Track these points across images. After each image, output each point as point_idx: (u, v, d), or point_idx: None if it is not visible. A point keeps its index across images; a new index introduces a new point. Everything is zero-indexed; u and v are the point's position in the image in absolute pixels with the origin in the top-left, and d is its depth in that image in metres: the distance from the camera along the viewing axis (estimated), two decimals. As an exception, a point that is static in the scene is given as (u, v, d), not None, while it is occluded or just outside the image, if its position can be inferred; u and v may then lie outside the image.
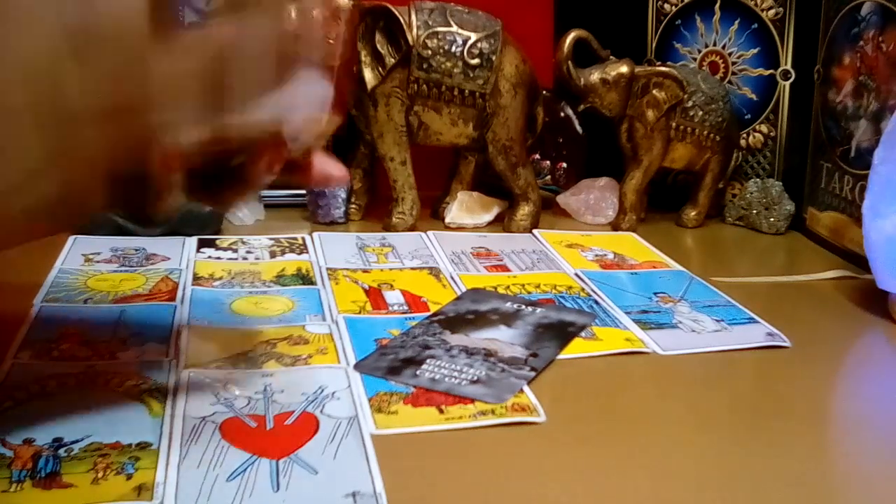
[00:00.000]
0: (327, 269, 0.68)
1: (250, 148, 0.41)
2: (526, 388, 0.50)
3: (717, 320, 0.62)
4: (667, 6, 0.91)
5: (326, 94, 0.42)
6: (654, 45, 0.92)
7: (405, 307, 0.61)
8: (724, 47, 0.90)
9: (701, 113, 0.85)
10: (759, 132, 0.90)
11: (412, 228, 0.81)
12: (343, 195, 0.84)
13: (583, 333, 0.58)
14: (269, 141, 0.41)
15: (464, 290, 0.65)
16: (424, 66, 0.78)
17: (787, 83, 0.88)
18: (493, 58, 0.79)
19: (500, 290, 0.65)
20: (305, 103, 0.40)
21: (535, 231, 0.83)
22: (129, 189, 0.37)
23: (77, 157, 0.33)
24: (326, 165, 0.46)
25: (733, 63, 0.90)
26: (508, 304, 0.62)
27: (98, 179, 0.35)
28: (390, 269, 0.69)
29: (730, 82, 0.90)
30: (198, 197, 0.43)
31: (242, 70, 0.36)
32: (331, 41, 0.75)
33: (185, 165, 0.38)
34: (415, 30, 0.77)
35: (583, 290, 0.67)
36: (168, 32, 0.34)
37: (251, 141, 0.39)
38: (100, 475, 0.38)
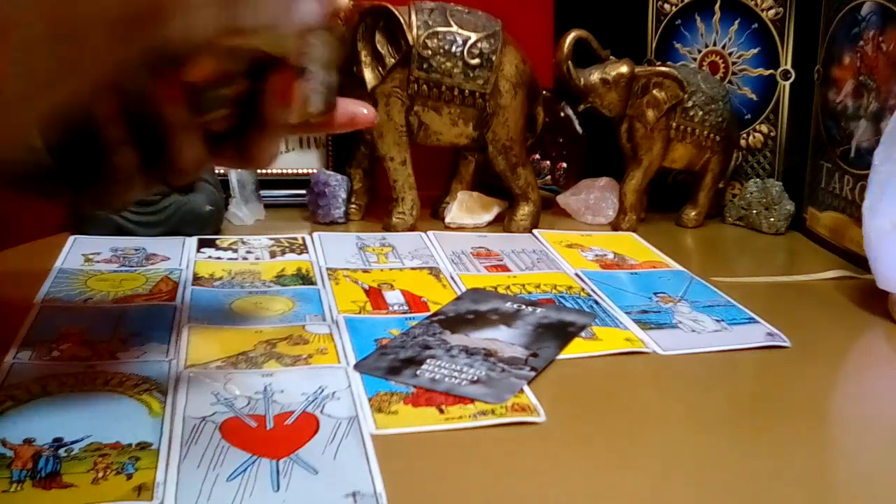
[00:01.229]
0: (327, 269, 0.68)
1: (259, 74, 0.41)
2: (526, 388, 0.50)
3: (717, 320, 0.62)
4: (667, 6, 0.91)
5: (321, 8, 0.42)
6: (654, 45, 0.92)
7: (405, 307, 0.61)
8: (724, 47, 0.90)
9: (701, 113, 0.85)
10: (759, 132, 0.90)
11: (412, 228, 0.81)
12: (343, 195, 0.84)
13: (583, 333, 0.58)
14: (277, 67, 0.41)
15: (464, 290, 0.65)
16: (424, 66, 0.78)
17: (787, 83, 0.88)
18: (493, 58, 0.79)
19: (500, 290, 0.65)
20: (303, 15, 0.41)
21: (535, 231, 0.83)
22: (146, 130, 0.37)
23: (89, 67, 0.33)
24: (351, 106, 0.46)
25: (733, 63, 0.90)
26: (508, 304, 0.62)
27: (105, 69, 0.34)
28: (390, 269, 0.69)
29: (730, 82, 0.90)
30: (223, 154, 0.43)
31: None
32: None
33: (191, 99, 0.38)
34: (415, 30, 0.77)
35: (583, 290, 0.67)
36: None
37: (259, 59, 0.39)
38: (100, 475, 0.38)
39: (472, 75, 0.79)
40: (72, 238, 0.71)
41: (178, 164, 0.41)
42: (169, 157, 0.41)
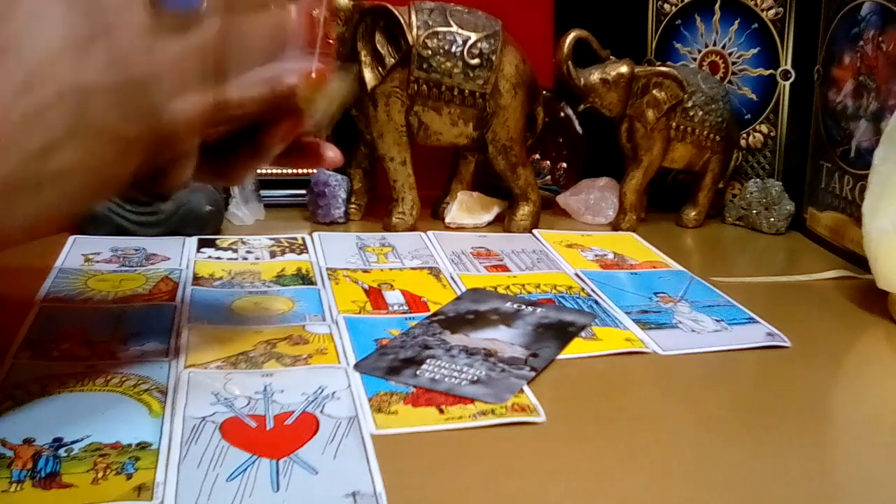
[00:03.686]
0: (327, 269, 0.68)
1: (264, 115, 0.44)
2: (526, 388, 0.50)
3: (717, 320, 0.62)
4: (667, 6, 0.91)
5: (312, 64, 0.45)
6: (654, 45, 0.92)
7: (405, 307, 0.61)
8: (724, 47, 0.90)
9: (701, 113, 0.85)
10: (759, 132, 0.90)
11: (412, 228, 0.81)
12: (343, 195, 0.84)
13: (583, 333, 0.58)
14: (283, 111, 0.44)
15: (464, 290, 0.65)
16: (424, 66, 0.78)
17: (787, 83, 0.88)
18: (493, 58, 0.79)
19: (500, 290, 0.65)
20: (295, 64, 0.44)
21: (535, 231, 0.83)
22: (145, 162, 0.41)
23: (94, 128, 0.37)
24: (323, 150, 0.49)
25: (733, 63, 0.90)
26: (508, 304, 0.62)
27: (115, 148, 0.38)
28: (390, 269, 0.69)
29: (730, 82, 0.90)
30: (207, 172, 0.45)
31: (239, 45, 0.41)
32: (330, 41, 0.75)
33: (198, 133, 0.42)
34: (415, 30, 0.77)
35: (583, 290, 0.67)
36: (166, 11, 0.38)
37: (254, 108, 0.43)
38: (100, 475, 0.38)
39: (472, 75, 0.79)
40: (72, 238, 0.71)
41: (172, 181, 0.43)
42: (163, 171, 0.43)
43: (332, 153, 0.50)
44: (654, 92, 0.83)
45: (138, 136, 0.39)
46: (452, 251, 0.75)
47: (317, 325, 0.57)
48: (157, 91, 0.39)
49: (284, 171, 0.89)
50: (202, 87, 0.40)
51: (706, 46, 0.90)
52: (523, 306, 0.62)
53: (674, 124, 0.85)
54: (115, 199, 0.73)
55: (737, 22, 0.89)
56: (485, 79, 0.79)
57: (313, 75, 0.43)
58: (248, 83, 0.42)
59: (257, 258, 0.71)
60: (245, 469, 0.40)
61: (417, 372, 0.50)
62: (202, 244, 0.73)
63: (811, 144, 0.86)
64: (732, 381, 0.54)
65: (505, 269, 0.71)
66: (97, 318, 0.56)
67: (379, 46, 0.77)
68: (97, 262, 0.67)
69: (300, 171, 0.89)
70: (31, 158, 0.36)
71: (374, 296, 0.63)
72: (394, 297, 0.63)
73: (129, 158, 0.39)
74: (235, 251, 0.72)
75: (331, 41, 0.75)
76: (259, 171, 0.87)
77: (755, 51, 0.89)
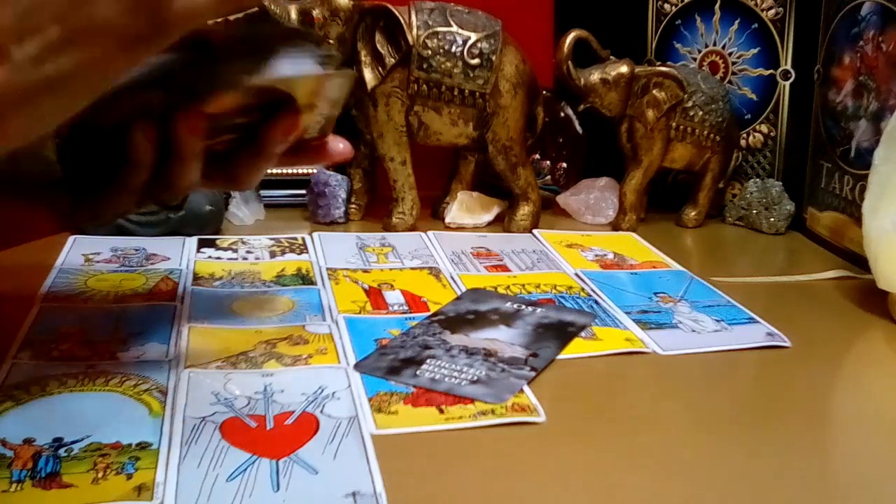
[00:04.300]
0: (327, 269, 0.68)
1: (270, 106, 0.43)
2: (526, 388, 0.50)
3: (717, 320, 0.62)
4: (667, 6, 0.91)
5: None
6: (654, 45, 0.92)
7: (405, 307, 0.61)
8: (724, 47, 0.90)
9: (701, 113, 0.85)
10: (759, 132, 0.90)
11: (412, 228, 0.81)
12: (343, 195, 0.84)
13: (583, 333, 0.58)
14: (289, 104, 0.43)
15: (464, 290, 0.65)
16: (424, 66, 0.78)
17: (787, 83, 0.88)
18: (493, 58, 0.79)
19: (500, 290, 0.65)
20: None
21: (535, 231, 0.83)
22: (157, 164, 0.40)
23: (94, 26, 0.35)
24: (333, 145, 0.48)
25: (733, 63, 0.90)
26: (508, 304, 0.62)
27: (116, 47, 0.36)
28: (390, 269, 0.69)
29: (730, 82, 0.90)
30: (216, 179, 0.45)
31: None
32: (331, 41, 0.76)
33: (207, 128, 0.41)
34: (415, 30, 0.77)
35: (583, 290, 0.67)
36: None
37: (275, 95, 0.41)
38: (100, 475, 0.38)
39: (472, 75, 0.79)
40: (72, 238, 0.71)
41: (176, 185, 0.43)
42: (169, 177, 0.43)
43: (341, 145, 0.49)
44: (654, 92, 0.83)
45: (142, 32, 0.36)
46: (452, 251, 0.75)
47: (317, 325, 0.57)
48: None
49: (284, 170, 0.89)
50: (221, 89, 0.39)
51: (706, 46, 0.90)
52: (523, 306, 0.62)
53: (674, 124, 0.85)
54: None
55: (737, 22, 0.88)
56: (485, 79, 0.79)
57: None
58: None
59: (257, 258, 0.71)
60: (245, 469, 0.40)
61: (417, 372, 0.50)
62: (202, 244, 0.73)
63: (811, 144, 0.86)
64: (732, 381, 0.54)
65: (505, 269, 0.71)
66: (97, 318, 0.56)
67: (379, 46, 0.77)
68: (97, 261, 0.67)
69: (300, 170, 0.89)
70: (25, 66, 0.34)
71: (374, 296, 0.63)
72: (394, 297, 0.63)
73: (132, 56, 0.36)
74: (235, 251, 0.72)
75: (331, 41, 0.75)
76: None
77: (755, 51, 0.88)
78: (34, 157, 0.44)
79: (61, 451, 0.40)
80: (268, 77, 0.42)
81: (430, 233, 0.79)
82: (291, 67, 0.43)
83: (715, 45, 0.90)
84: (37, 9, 0.34)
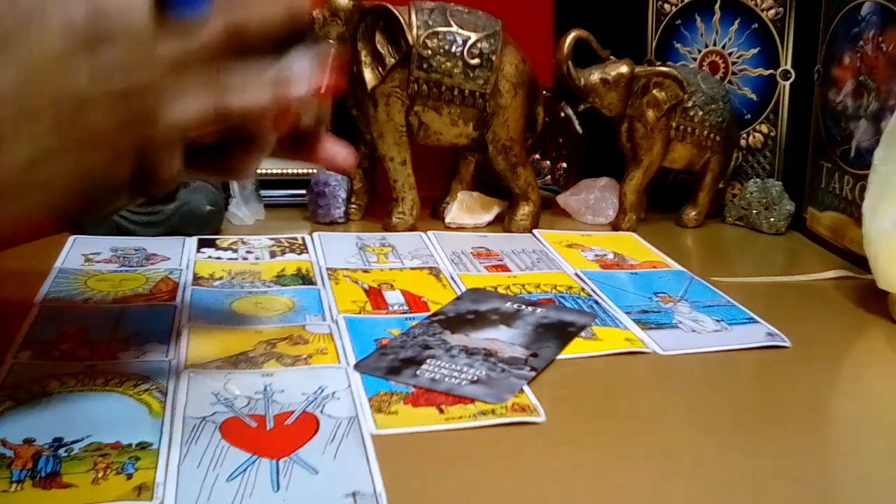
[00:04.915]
0: (327, 269, 0.68)
1: (255, 115, 0.42)
2: (526, 388, 0.50)
3: (718, 320, 0.62)
4: (667, 6, 0.91)
5: (318, 70, 0.43)
6: (654, 45, 0.92)
7: (405, 307, 0.61)
8: (724, 47, 0.90)
9: (701, 113, 0.85)
10: (759, 132, 0.90)
11: (412, 228, 0.81)
12: (343, 195, 0.84)
13: (583, 333, 0.58)
14: (274, 105, 0.42)
15: (464, 290, 0.65)
16: (424, 66, 0.78)
17: (787, 83, 0.88)
18: (493, 58, 0.79)
19: (500, 290, 0.65)
20: (301, 73, 0.42)
21: (535, 231, 0.83)
22: (139, 164, 0.40)
23: (88, 137, 0.36)
24: (334, 147, 0.47)
25: (733, 63, 0.90)
26: (508, 304, 0.62)
27: (107, 156, 0.37)
28: (390, 269, 0.69)
29: (730, 82, 0.90)
30: (210, 169, 0.44)
31: (242, 46, 0.39)
32: (331, 41, 0.75)
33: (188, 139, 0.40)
34: (415, 30, 0.77)
35: (583, 290, 0.67)
36: (170, 16, 0.37)
37: (255, 115, 0.41)
38: (100, 475, 0.38)
39: (472, 75, 0.79)
40: (72, 238, 0.71)
41: (160, 178, 0.42)
42: (152, 171, 0.42)
43: (342, 151, 0.47)
44: (654, 92, 0.83)
45: (133, 144, 0.37)
46: (452, 251, 0.75)
47: (317, 325, 0.57)
48: (156, 99, 0.37)
49: (284, 170, 0.89)
50: (204, 91, 0.39)
51: (706, 46, 0.90)
52: (523, 306, 0.62)
53: (674, 124, 0.85)
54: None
55: (737, 22, 0.88)
56: (485, 79, 0.79)
57: (322, 90, 0.42)
58: (250, 90, 0.40)
59: (257, 258, 0.71)
60: (245, 469, 0.40)
61: (417, 372, 0.50)
62: (202, 244, 0.73)
63: (811, 144, 0.86)
64: (732, 381, 0.54)
65: (505, 269, 0.71)
66: (97, 318, 0.56)
67: (379, 46, 0.77)
68: (97, 262, 0.67)
69: (300, 170, 0.89)
70: (20, 168, 0.35)
71: (374, 296, 0.63)
72: (394, 297, 0.63)
73: (121, 165, 0.38)
74: (235, 251, 0.72)
75: (332, 40, 0.75)
76: (260, 169, 0.87)
77: (755, 51, 0.89)
78: None
79: (61, 451, 0.40)
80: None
81: (430, 233, 0.79)
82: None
83: (715, 45, 0.90)
84: (36, 113, 0.35)
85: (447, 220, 0.84)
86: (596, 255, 0.76)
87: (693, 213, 0.89)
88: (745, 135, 0.91)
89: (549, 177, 0.94)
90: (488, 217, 0.85)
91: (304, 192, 0.86)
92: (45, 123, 0.35)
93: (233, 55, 0.39)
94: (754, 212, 0.88)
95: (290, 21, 0.41)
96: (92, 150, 0.36)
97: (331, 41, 0.76)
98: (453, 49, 0.78)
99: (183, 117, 0.38)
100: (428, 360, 0.52)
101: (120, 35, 0.35)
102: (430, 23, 0.78)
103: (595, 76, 0.83)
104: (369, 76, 0.77)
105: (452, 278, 0.68)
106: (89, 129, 0.36)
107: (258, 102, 0.40)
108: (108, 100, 0.36)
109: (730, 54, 0.90)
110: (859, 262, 0.72)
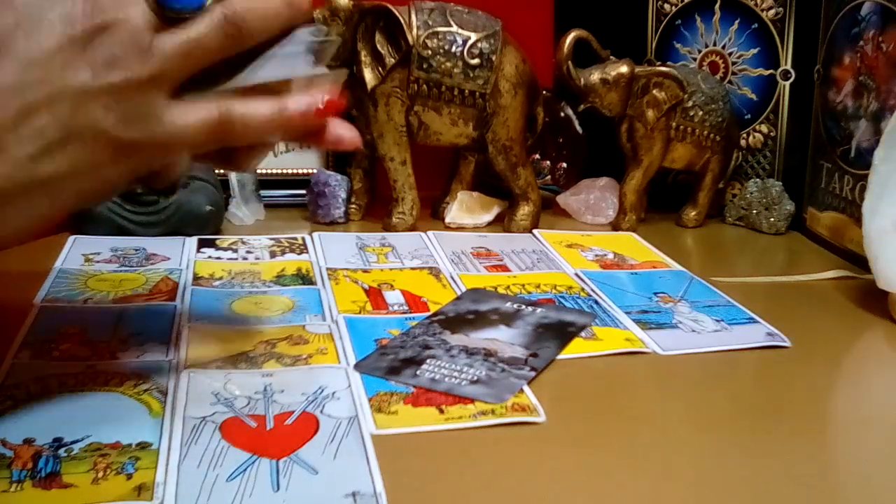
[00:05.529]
0: (327, 269, 0.68)
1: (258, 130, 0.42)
2: (526, 388, 0.50)
3: (717, 320, 0.62)
4: (667, 6, 0.91)
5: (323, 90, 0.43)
6: (654, 45, 0.92)
7: (405, 307, 0.61)
8: (724, 47, 0.90)
9: (701, 113, 0.85)
10: (759, 132, 0.90)
11: (412, 228, 0.81)
12: (343, 195, 0.84)
13: (583, 333, 0.58)
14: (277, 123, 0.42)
15: (464, 290, 0.65)
16: (424, 66, 0.78)
17: (787, 83, 0.88)
18: (493, 58, 0.79)
19: (500, 290, 0.65)
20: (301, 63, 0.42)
21: (535, 231, 0.83)
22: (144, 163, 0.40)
23: (88, 132, 0.36)
24: (339, 129, 0.47)
25: (733, 63, 0.90)
26: (508, 304, 0.62)
27: (109, 153, 0.37)
28: (390, 269, 0.69)
29: (730, 82, 0.90)
30: (214, 158, 0.44)
31: (242, 39, 0.39)
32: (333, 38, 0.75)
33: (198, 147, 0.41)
34: (415, 30, 0.77)
35: (583, 290, 0.67)
36: (168, 8, 0.37)
37: (257, 129, 0.41)
38: (100, 475, 0.38)
39: (472, 75, 0.79)
40: (72, 238, 0.71)
41: (165, 173, 0.43)
42: (157, 170, 0.43)
43: (347, 137, 0.46)
44: (654, 92, 0.83)
45: (134, 142, 0.38)
46: (452, 251, 0.75)
47: (317, 325, 0.57)
48: (155, 93, 0.37)
49: (285, 170, 0.89)
50: (208, 99, 0.39)
51: (706, 46, 0.90)
52: (523, 306, 0.62)
53: (674, 124, 0.85)
54: (116, 199, 0.73)
55: (737, 22, 0.88)
56: (485, 79, 0.79)
57: (321, 106, 0.42)
58: (254, 102, 0.40)
59: (257, 258, 0.71)
60: (245, 469, 0.40)
61: (417, 372, 0.50)
62: (202, 244, 0.73)
63: (811, 144, 0.86)
64: (732, 381, 0.54)
65: (505, 269, 0.71)
66: (97, 318, 0.56)
67: (379, 46, 0.77)
68: (97, 262, 0.67)
69: (300, 170, 0.89)
70: (22, 163, 0.35)
71: (374, 296, 0.63)
72: (394, 297, 0.63)
73: (125, 163, 0.38)
74: (235, 251, 0.72)
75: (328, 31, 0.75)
76: (260, 169, 0.87)
77: (755, 51, 0.89)
78: None
79: (61, 451, 0.40)
80: (259, 79, 0.41)
81: (430, 233, 0.79)
82: (283, 68, 0.41)
83: (715, 45, 0.90)
84: (37, 109, 0.35)
85: (447, 220, 0.84)
86: (596, 255, 0.76)
87: (693, 213, 0.89)
88: (745, 135, 0.91)
89: (549, 177, 0.94)
90: (488, 217, 0.85)
91: (304, 192, 0.86)
92: (46, 118, 0.35)
93: (233, 48, 0.39)
94: (754, 212, 0.88)
95: (290, 13, 0.41)
96: (95, 147, 0.37)
97: (334, 38, 0.75)
98: (453, 49, 0.78)
99: (185, 121, 0.38)
100: (428, 360, 0.52)
101: (118, 27, 0.36)
102: (430, 23, 0.78)
103: (595, 76, 0.83)
104: (369, 76, 0.77)
105: (452, 278, 0.68)
106: (90, 123, 0.36)
107: (261, 115, 0.40)
108: (108, 93, 0.36)
109: (730, 54, 0.90)
110: (859, 262, 0.72)
